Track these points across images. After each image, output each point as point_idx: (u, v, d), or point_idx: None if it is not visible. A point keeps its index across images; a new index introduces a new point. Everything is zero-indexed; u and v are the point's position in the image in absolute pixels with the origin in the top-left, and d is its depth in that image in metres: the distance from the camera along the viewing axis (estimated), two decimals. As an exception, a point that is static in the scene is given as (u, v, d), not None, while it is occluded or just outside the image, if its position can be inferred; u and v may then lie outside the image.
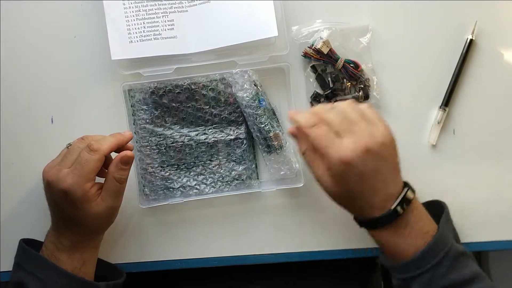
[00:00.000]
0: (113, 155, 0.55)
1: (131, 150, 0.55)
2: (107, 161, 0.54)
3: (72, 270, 0.53)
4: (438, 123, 0.62)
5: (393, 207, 0.49)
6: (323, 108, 0.52)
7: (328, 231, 0.63)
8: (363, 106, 0.52)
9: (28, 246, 0.56)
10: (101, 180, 0.55)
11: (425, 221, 0.52)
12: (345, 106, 0.51)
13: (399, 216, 0.50)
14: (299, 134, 0.53)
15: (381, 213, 0.50)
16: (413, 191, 0.52)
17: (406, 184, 0.52)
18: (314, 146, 0.51)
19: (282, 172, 0.61)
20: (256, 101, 0.59)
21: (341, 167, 0.48)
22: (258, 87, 0.60)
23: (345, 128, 0.49)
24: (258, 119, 0.59)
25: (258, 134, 0.60)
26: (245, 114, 0.60)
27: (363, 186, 0.49)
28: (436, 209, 0.57)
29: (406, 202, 0.50)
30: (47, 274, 0.53)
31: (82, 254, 0.55)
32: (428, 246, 0.50)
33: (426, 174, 0.63)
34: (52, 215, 0.55)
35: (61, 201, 0.52)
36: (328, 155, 0.49)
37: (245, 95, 0.59)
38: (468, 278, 0.50)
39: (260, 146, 0.61)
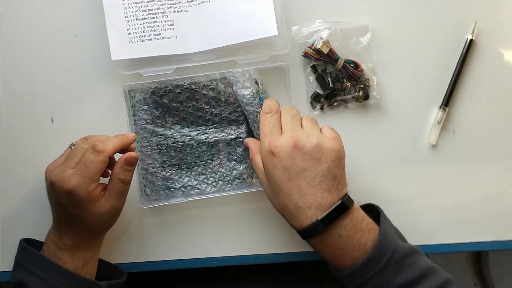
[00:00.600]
0: (116, 155, 0.55)
1: (134, 151, 0.56)
2: (110, 161, 0.54)
3: (74, 270, 0.53)
4: (438, 123, 0.62)
5: (320, 217, 0.48)
6: (289, 106, 0.55)
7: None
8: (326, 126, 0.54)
9: (28, 246, 0.56)
10: (104, 180, 0.55)
11: (363, 232, 0.50)
12: (306, 115, 0.55)
13: (326, 229, 0.48)
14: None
15: (309, 222, 0.49)
16: (349, 205, 0.50)
17: (344, 198, 0.50)
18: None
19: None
20: (256, 99, 0.59)
21: (269, 156, 0.51)
22: (259, 85, 0.60)
23: (290, 126, 0.53)
24: (258, 117, 0.59)
25: (259, 132, 0.60)
26: (246, 112, 0.60)
27: (289, 184, 0.49)
28: (371, 212, 0.54)
29: (334, 216, 0.49)
30: (49, 273, 0.52)
31: (84, 253, 0.55)
32: (370, 254, 0.49)
33: (426, 174, 0.63)
34: (55, 215, 0.55)
35: (65, 201, 0.52)
36: (263, 143, 0.52)
37: (246, 93, 0.59)
38: (419, 275, 0.49)
39: (260, 145, 0.61)
